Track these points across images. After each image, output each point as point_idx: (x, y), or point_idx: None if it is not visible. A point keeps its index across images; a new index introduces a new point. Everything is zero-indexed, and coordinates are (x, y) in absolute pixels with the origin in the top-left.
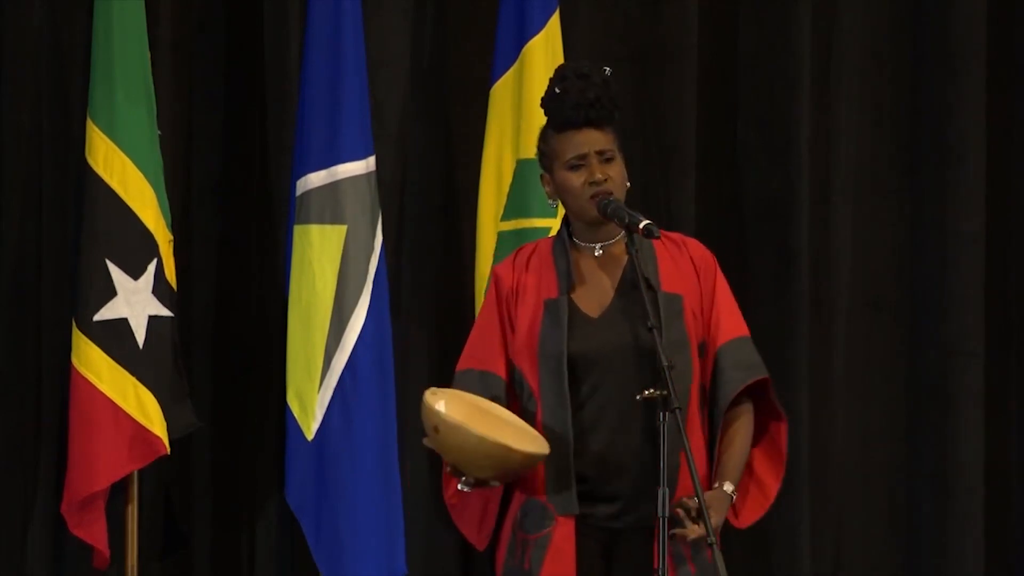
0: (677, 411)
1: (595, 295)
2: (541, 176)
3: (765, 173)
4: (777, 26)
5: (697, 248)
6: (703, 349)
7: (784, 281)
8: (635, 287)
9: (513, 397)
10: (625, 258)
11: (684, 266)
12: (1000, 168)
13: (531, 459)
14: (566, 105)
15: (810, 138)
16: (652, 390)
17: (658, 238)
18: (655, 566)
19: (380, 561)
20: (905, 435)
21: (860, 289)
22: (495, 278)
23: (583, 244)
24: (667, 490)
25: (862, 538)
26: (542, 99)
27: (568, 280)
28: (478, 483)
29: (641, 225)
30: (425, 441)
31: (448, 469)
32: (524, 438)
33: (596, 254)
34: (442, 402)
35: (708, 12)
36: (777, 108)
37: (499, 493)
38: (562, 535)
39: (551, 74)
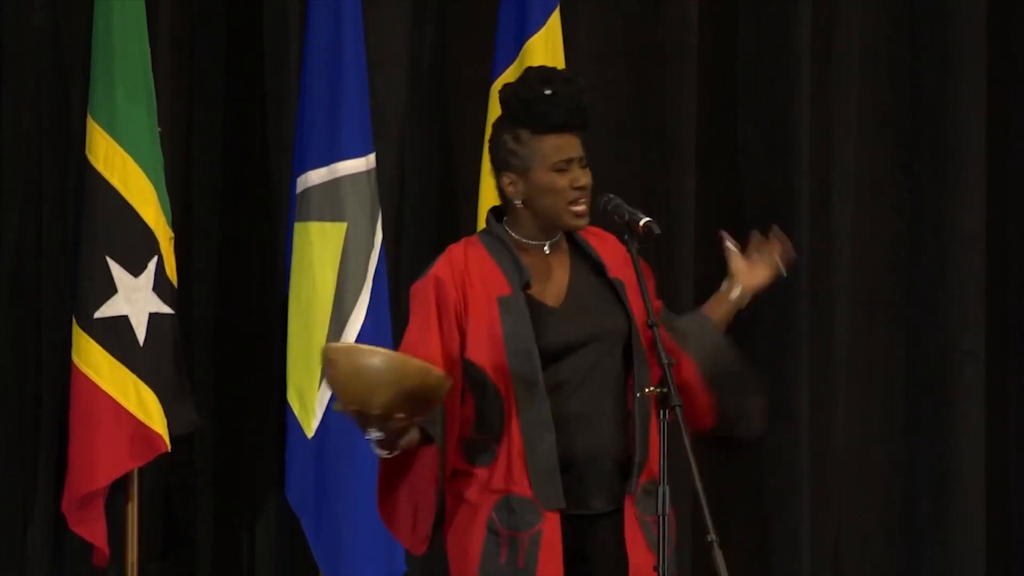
0: (677, 408)
1: (550, 287)
2: (501, 175)
3: (765, 172)
4: (777, 26)
5: (618, 244)
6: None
7: (784, 280)
8: (591, 273)
9: (453, 403)
10: (568, 250)
11: (617, 256)
12: (1000, 168)
13: (427, 374)
14: (560, 109)
15: (810, 138)
16: (652, 387)
17: (659, 234)
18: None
19: (380, 560)
20: (905, 434)
21: (860, 288)
22: (436, 282)
23: (530, 243)
24: (667, 488)
25: (862, 538)
26: (518, 98)
27: (520, 276)
28: (385, 424)
29: (641, 223)
30: (336, 406)
31: (352, 412)
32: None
33: (545, 251)
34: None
35: (708, 12)
36: (777, 107)
37: (430, 495)
38: (551, 530)
39: (531, 69)
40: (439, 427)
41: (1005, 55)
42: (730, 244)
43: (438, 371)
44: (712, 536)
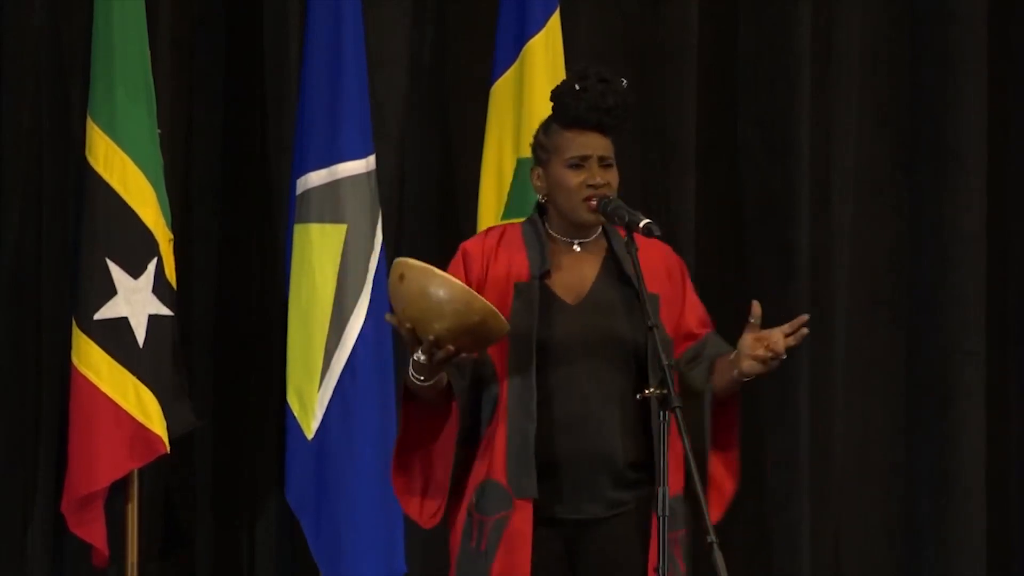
0: (677, 410)
1: (573, 283)
2: (532, 169)
3: (765, 172)
4: (777, 26)
5: (669, 253)
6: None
7: (784, 280)
8: (619, 280)
9: (474, 377)
10: (604, 253)
11: (658, 268)
12: (1000, 168)
13: (491, 316)
14: (582, 105)
15: (810, 138)
16: (653, 389)
17: (659, 236)
18: (652, 563)
19: (380, 560)
20: (905, 434)
21: (860, 288)
22: (463, 253)
23: (561, 237)
24: (666, 489)
25: (862, 538)
26: (555, 91)
27: (542, 265)
28: (432, 351)
29: (641, 224)
30: (388, 317)
31: (406, 326)
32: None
33: (575, 249)
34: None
35: (708, 12)
36: (777, 108)
37: (446, 470)
38: (520, 518)
39: (556, 72)
40: (465, 385)
41: (1005, 55)
42: (753, 319)
43: (500, 315)
44: (712, 537)
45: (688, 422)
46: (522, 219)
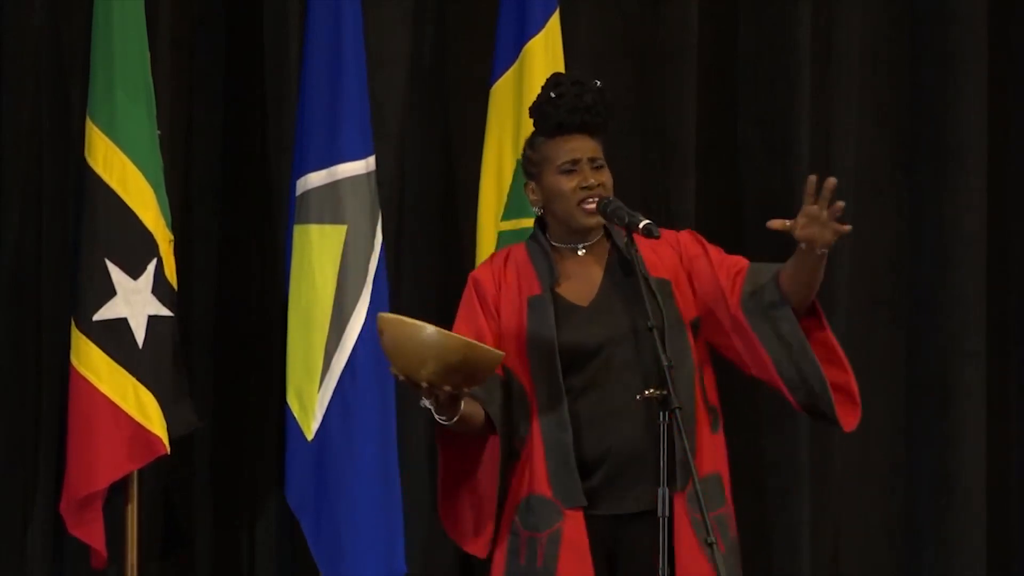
0: (678, 411)
1: (582, 286)
2: (525, 184)
3: (765, 172)
4: (777, 26)
5: (675, 234)
6: (696, 327)
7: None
8: (626, 275)
9: (505, 399)
10: (608, 253)
11: (665, 254)
12: (1000, 168)
13: (470, 349)
14: (561, 109)
15: (810, 138)
16: (652, 390)
17: (658, 238)
18: (657, 561)
19: (380, 560)
20: (905, 434)
21: (860, 288)
22: (474, 282)
23: (564, 246)
24: (667, 490)
25: (862, 538)
26: (533, 105)
27: (551, 276)
28: (432, 393)
29: (641, 225)
30: (391, 371)
31: (401, 378)
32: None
33: (579, 253)
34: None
35: (708, 12)
36: (777, 107)
37: (492, 499)
38: (573, 528)
39: (550, 76)
40: (499, 410)
41: (1005, 55)
42: (784, 225)
43: (483, 345)
44: (712, 538)
45: (783, 339)
46: (523, 218)
